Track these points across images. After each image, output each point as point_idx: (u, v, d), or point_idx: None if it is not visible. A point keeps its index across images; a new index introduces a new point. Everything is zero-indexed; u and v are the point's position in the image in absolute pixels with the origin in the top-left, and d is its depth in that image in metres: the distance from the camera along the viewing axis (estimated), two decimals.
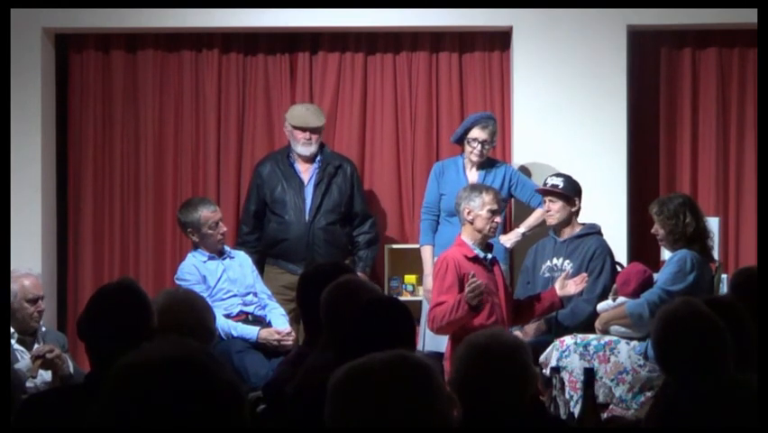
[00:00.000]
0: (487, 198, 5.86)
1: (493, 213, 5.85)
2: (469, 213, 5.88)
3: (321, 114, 6.92)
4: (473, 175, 6.81)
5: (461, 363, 3.10)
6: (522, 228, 6.85)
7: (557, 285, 5.96)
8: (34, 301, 5.54)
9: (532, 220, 6.82)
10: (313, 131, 6.83)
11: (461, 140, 6.84)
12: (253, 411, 3.94)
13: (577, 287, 5.94)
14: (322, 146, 6.96)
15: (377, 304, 3.72)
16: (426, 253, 6.81)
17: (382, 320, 3.54)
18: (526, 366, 3.12)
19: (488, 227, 5.85)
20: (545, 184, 6.50)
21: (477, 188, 5.99)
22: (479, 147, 6.76)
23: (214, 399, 1.80)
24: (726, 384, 3.21)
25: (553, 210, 6.44)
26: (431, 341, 6.32)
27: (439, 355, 5.95)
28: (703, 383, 3.20)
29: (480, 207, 5.86)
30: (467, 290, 5.52)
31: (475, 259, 5.81)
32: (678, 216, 5.98)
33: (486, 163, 6.83)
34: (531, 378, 3.13)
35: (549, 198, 6.46)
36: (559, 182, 6.45)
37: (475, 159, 6.77)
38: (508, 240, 6.81)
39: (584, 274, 6.04)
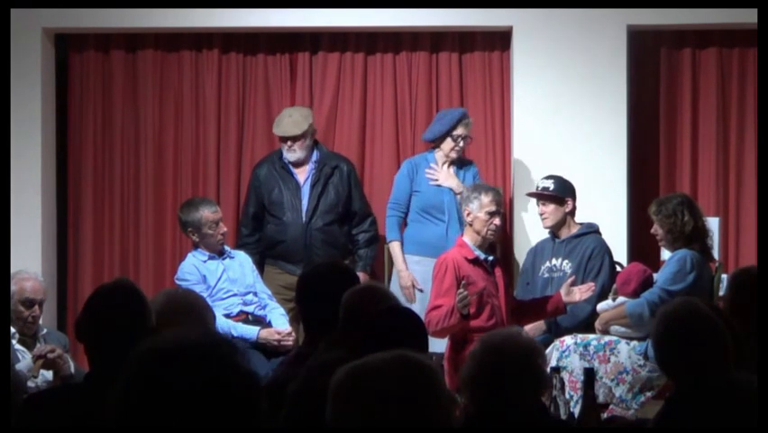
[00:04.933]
0: (485, 199, 5.87)
1: (491, 215, 5.86)
2: (468, 214, 5.89)
3: (305, 119, 6.84)
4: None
5: (474, 361, 3.10)
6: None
7: (562, 291, 5.95)
8: (30, 305, 5.53)
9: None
10: (293, 139, 6.82)
11: (441, 137, 6.83)
12: None
13: (582, 294, 5.94)
14: (317, 145, 6.96)
15: (394, 313, 3.75)
16: (396, 248, 6.79)
17: (398, 329, 3.56)
18: (539, 370, 3.12)
19: (485, 229, 5.86)
20: (537, 187, 6.52)
21: (477, 189, 6.01)
22: (462, 143, 6.77)
23: (232, 386, 1.81)
24: (726, 384, 3.21)
25: (546, 213, 6.46)
26: (429, 342, 6.32)
27: (438, 357, 5.96)
28: (703, 383, 3.20)
29: (478, 209, 5.87)
30: (456, 299, 5.53)
31: (476, 261, 5.82)
32: (676, 215, 5.99)
33: (458, 161, 6.84)
34: (543, 381, 3.14)
35: (541, 201, 6.47)
36: (549, 184, 6.47)
37: (455, 155, 6.80)
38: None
39: (591, 283, 6.04)
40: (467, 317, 5.57)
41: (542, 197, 6.47)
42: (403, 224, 6.85)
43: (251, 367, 1.87)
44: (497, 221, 5.90)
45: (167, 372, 1.80)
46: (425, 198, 6.79)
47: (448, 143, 6.79)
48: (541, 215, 6.49)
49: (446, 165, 6.82)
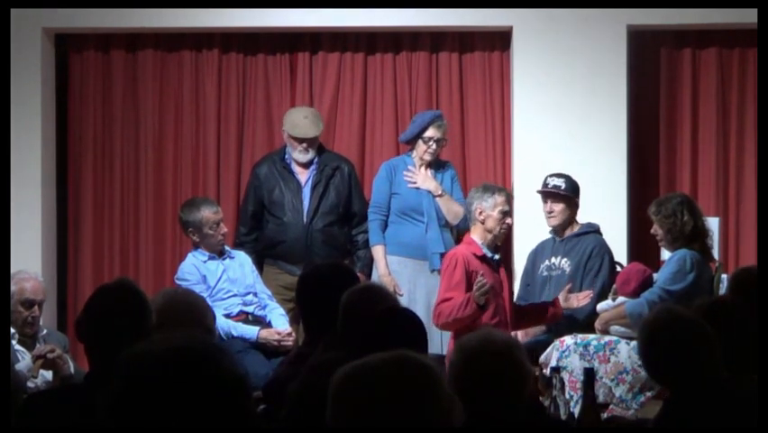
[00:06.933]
0: (499, 198, 5.94)
1: (504, 214, 5.92)
2: (480, 213, 5.92)
3: (319, 120, 6.90)
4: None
5: (455, 369, 3.09)
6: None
7: (561, 297, 6.01)
8: (30, 306, 5.53)
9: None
10: (309, 141, 6.82)
11: (413, 139, 6.84)
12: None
13: (580, 302, 5.99)
14: (320, 147, 6.96)
15: (394, 313, 3.76)
16: (379, 252, 6.77)
17: (397, 330, 3.57)
18: (521, 364, 3.11)
19: (498, 228, 5.92)
20: (546, 185, 6.50)
21: (490, 188, 6.04)
22: (434, 146, 6.77)
23: (219, 388, 1.81)
24: (720, 384, 3.21)
25: (556, 211, 6.45)
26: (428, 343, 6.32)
27: (439, 358, 5.96)
28: (697, 386, 3.20)
29: (491, 208, 5.92)
30: (475, 288, 5.57)
31: (483, 258, 5.85)
32: (676, 215, 5.99)
33: (435, 163, 6.84)
34: (527, 375, 3.13)
35: (551, 199, 6.46)
36: (561, 183, 6.46)
37: (428, 157, 6.79)
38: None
39: (588, 292, 6.07)
40: (483, 307, 5.61)
41: (555, 195, 6.45)
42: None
43: (240, 369, 1.88)
44: (509, 220, 5.98)
45: (154, 374, 1.81)
46: (404, 199, 6.77)
47: (420, 146, 6.80)
48: (549, 213, 6.47)
49: (423, 167, 6.82)
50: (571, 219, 6.48)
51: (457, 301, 5.66)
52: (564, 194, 6.43)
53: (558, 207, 6.45)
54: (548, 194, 6.47)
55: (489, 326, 5.43)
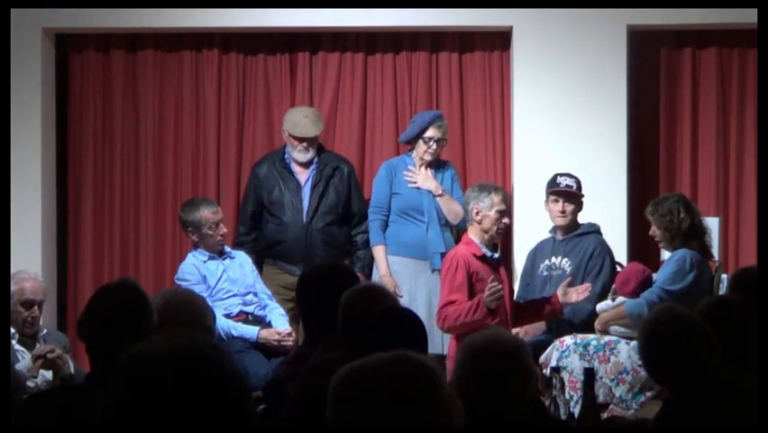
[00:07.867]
0: (496, 198, 5.93)
1: (501, 214, 5.91)
2: (477, 213, 5.92)
3: (319, 119, 6.91)
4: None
5: (461, 367, 3.09)
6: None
7: (559, 291, 5.98)
8: (29, 306, 5.53)
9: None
10: (310, 141, 6.83)
11: (413, 139, 6.84)
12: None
13: (579, 295, 5.97)
14: (320, 147, 6.96)
15: (394, 313, 3.76)
16: (380, 252, 6.77)
17: (397, 329, 3.57)
18: (527, 364, 3.12)
19: (495, 228, 5.91)
20: (558, 184, 6.48)
21: (486, 188, 6.03)
22: (434, 146, 6.77)
23: (219, 388, 1.82)
24: (719, 384, 3.21)
25: (568, 211, 6.45)
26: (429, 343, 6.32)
27: (439, 357, 5.96)
28: (697, 385, 3.20)
29: (488, 208, 5.91)
30: (487, 293, 5.56)
31: (483, 258, 5.85)
32: (672, 213, 6.00)
33: (435, 163, 6.84)
34: (531, 377, 3.13)
35: (564, 199, 6.44)
36: (572, 183, 6.47)
37: (429, 157, 6.79)
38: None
39: (588, 284, 6.06)
40: (492, 311, 5.61)
41: (569, 195, 6.44)
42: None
43: (240, 369, 1.88)
44: (506, 220, 5.97)
45: (154, 375, 1.81)
46: (405, 199, 6.78)
47: (420, 146, 6.80)
48: (562, 212, 6.46)
49: (423, 167, 6.82)
50: (575, 219, 6.49)
51: (465, 305, 5.65)
52: (577, 193, 6.44)
53: (570, 207, 6.45)
54: (562, 193, 6.46)
55: (494, 326, 5.42)
